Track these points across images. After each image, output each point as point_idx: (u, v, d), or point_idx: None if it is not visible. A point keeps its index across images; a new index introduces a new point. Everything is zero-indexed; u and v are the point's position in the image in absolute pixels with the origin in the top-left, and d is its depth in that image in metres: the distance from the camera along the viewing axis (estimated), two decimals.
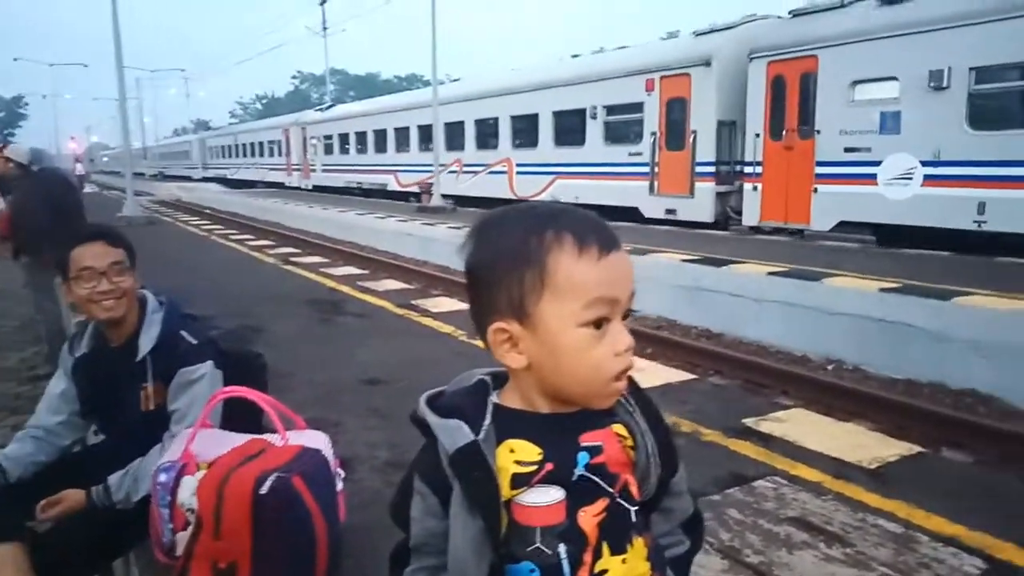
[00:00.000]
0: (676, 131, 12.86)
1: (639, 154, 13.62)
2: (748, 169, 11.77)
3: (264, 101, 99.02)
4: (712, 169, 12.31)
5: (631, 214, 13.59)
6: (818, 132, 10.63)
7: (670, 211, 13.08)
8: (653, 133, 13.18)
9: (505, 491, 0.92)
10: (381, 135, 24.16)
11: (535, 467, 0.93)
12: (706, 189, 12.48)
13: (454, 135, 19.39)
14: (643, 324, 7.71)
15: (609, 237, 0.92)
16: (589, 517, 0.93)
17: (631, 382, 0.97)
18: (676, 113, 12.86)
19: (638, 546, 0.96)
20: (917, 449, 3.46)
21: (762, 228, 11.83)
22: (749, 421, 3.70)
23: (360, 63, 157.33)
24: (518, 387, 0.97)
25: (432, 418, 0.96)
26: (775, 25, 12.00)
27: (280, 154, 33.28)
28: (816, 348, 6.81)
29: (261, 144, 36.40)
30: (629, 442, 0.97)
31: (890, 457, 3.25)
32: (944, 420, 4.83)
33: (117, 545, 2.27)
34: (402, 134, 22.55)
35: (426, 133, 20.05)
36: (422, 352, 5.35)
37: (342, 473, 2.50)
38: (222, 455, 2.10)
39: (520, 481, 0.92)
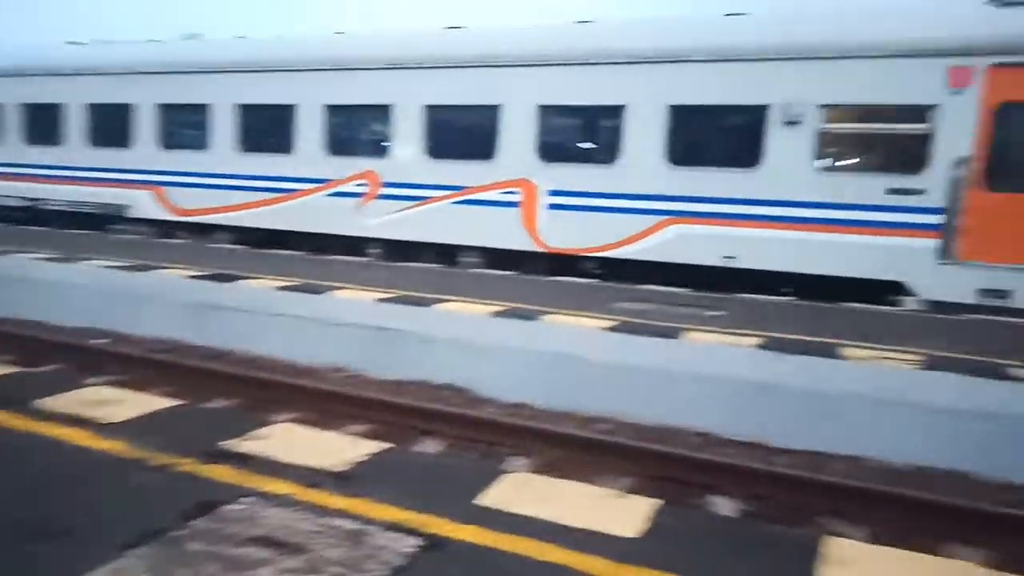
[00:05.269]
0: (1015, 159, 8.31)
1: (916, 192, 8.50)
2: None
3: None
4: None
5: (881, 292, 8.86)
6: None
7: (992, 292, 8.31)
8: (961, 160, 8.27)
9: None
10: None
11: None
12: None
13: (350, 126, 11.94)
14: (138, 347, 6.99)
15: None
16: None
17: None
18: (1020, 128, 8.26)
19: None
20: (388, 445, 3.81)
21: None
22: (231, 443, 3.60)
23: None
24: None
25: None
26: None
27: None
28: (324, 358, 7.07)
29: None
30: None
31: (360, 457, 3.51)
32: (421, 413, 5.48)
33: None
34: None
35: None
36: None
37: None
38: None
39: None
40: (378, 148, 11.48)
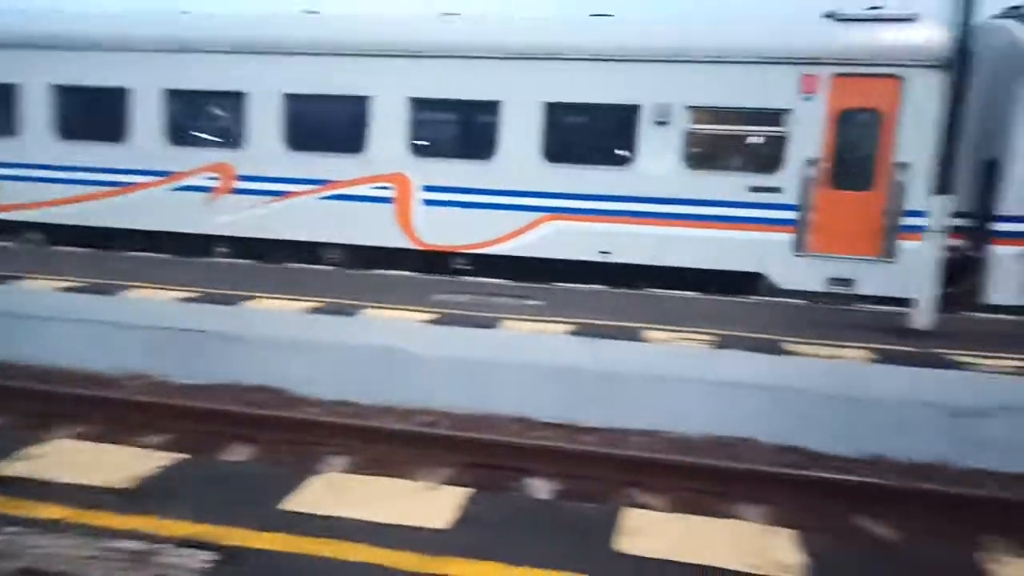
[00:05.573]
0: (855, 160, 9.01)
1: (774, 190, 9.14)
2: (1006, 227, 8.76)
3: None
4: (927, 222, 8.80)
5: (743, 283, 9.40)
6: None
7: (839, 281, 9.08)
8: (811, 160, 8.97)
9: None
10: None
11: None
12: (914, 251, 8.56)
13: (197, 113, 10.82)
14: None
15: None
16: None
17: None
18: (859, 133, 8.99)
19: None
20: (185, 456, 3.53)
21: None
22: None
23: None
24: None
25: None
26: None
27: None
28: (119, 364, 6.45)
29: None
30: None
31: (151, 471, 3.22)
32: (228, 417, 5.16)
33: None
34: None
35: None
36: None
37: None
38: None
39: None
40: (231, 138, 10.50)
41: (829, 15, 9.17)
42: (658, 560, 2.62)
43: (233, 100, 10.40)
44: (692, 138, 9.33)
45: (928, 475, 4.91)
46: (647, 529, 2.86)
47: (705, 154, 9.45)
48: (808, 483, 4.54)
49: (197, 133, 10.81)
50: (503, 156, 9.73)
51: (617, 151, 9.53)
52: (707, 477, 4.60)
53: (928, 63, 8.58)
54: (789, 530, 2.98)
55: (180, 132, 10.69)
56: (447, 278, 9.37)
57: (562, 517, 3.05)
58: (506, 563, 2.54)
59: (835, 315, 8.03)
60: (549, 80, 9.53)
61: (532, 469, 4.76)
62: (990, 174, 8.69)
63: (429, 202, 9.97)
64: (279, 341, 6.36)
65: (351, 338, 6.31)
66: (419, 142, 10.00)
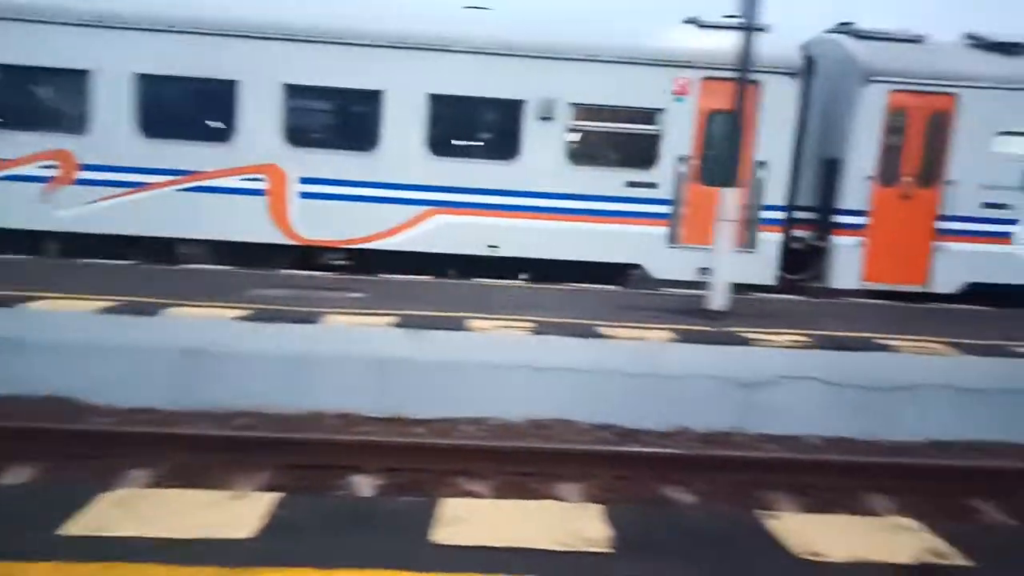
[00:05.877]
0: (719, 157, 9.15)
1: (650, 185, 9.51)
2: (845, 219, 9.67)
3: None
4: (782, 216, 9.70)
5: (622, 274, 9.64)
6: (948, 182, 9.55)
7: (707, 271, 8.59)
8: (682, 158, 9.45)
9: None
10: None
11: None
12: (772, 242, 9.67)
13: (28, 93, 9.37)
14: None
15: None
16: None
17: None
18: (723, 132, 8.99)
19: None
20: None
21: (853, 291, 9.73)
22: None
23: None
24: None
25: None
26: (891, 48, 9.79)
27: None
28: None
29: None
30: None
31: None
32: (7, 433, 4.59)
33: None
34: None
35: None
36: None
37: None
38: None
39: None
40: (73, 123, 9.25)
41: (690, 21, 9.74)
42: (473, 548, 2.65)
43: (75, 80, 9.16)
44: (574, 134, 9.63)
45: (722, 442, 5.42)
46: (465, 518, 2.89)
47: (586, 150, 9.77)
48: (618, 458, 4.84)
49: (30, 116, 9.46)
50: (386, 148, 9.43)
51: (503, 145, 9.58)
52: (527, 460, 4.75)
53: (783, 70, 9.38)
54: (599, 505, 3.14)
55: (8, 115, 9.36)
56: (268, 272, 8.90)
57: (379, 513, 3.01)
58: (316, 567, 2.45)
59: (646, 299, 8.60)
60: (434, 71, 9.34)
61: (357, 466, 4.66)
62: (830, 171, 9.72)
63: (306, 195, 9.43)
64: (68, 345, 5.74)
65: (154, 338, 5.83)
66: (295, 131, 9.45)
